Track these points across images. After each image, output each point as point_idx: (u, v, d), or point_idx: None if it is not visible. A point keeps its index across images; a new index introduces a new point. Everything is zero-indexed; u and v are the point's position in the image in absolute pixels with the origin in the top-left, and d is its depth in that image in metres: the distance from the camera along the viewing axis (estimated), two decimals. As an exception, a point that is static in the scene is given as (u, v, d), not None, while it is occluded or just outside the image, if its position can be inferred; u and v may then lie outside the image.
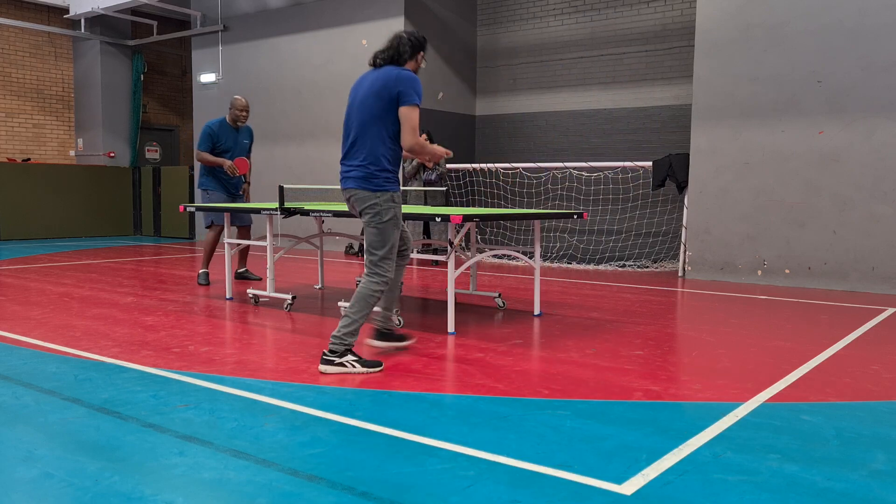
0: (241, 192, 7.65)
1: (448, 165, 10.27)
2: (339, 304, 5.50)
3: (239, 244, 6.53)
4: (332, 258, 10.41)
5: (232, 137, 7.35)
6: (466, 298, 6.56)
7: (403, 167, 9.36)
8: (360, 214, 3.98)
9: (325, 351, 3.92)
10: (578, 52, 10.93)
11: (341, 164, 4.03)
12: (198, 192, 13.45)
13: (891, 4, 7.06)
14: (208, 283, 7.30)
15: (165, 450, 2.75)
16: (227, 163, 7.22)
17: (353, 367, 3.88)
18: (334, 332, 3.92)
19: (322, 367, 3.89)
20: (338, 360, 3.88)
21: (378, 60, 4.02)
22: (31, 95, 14.21)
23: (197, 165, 13.50)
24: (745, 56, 7.83)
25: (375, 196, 3.92)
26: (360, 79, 4.08)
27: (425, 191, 7.89)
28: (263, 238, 6.14)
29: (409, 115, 3.85)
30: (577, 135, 11.02)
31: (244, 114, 7.34)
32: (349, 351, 3.91)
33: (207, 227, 7.46)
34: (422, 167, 9.19)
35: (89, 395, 3.45)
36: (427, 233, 9.73)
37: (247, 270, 7.83)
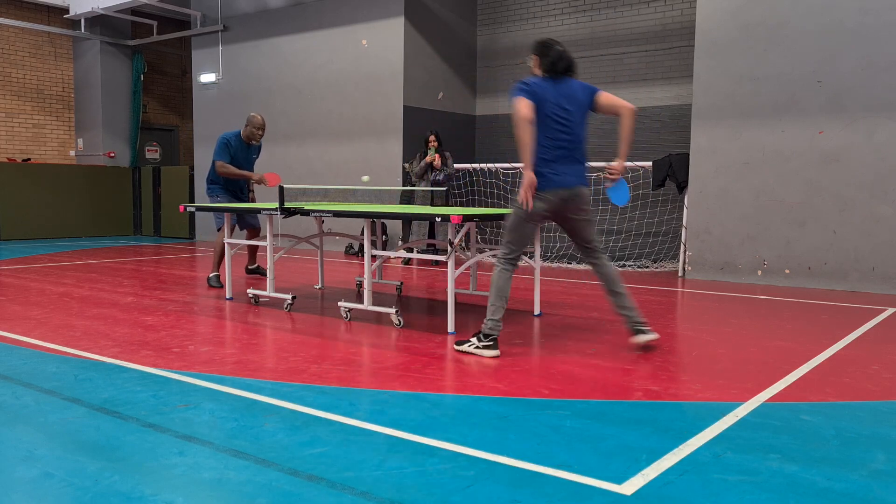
0: (248, 199, 7.70)
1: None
2: (339, 303, 5.50)
3: (237, 244, 6.55)
4: (332, 258, 10.41)
5: (243, 154, 7.37)
6: (466, 298, 6.56)
7: (412, 167, 9.36)
8: (578, 210, 4.33)
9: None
10: (578, 52, 10.93)
11: (564, 162, 4.21)
12: (198, 194, 13.45)
13: (891, 4, 7.06)
14: (222, 286, 7.26)
15: (165, 450, 2.75)
16: (255, 176, 7.25)
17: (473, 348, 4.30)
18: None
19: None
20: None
21: (561, 70, 4.27)
22: (31, 95, 14.21)
23: (197, 166, 13.52)
24: (745, 56, 7.83)
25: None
26: (555, 85, 4.21)
27: (432, 191, 7.90)
28: (263, 238, 6.14)
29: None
30: (577, 135, 11.01)
31: (260, 132, 7.32)
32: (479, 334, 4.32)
33: (219, 230, 7.49)
34: (430, 168, 9.19)
35: (89, 395, 3.45)
36: (432, 234, 9.73)
37: (258, 266, 7.95)
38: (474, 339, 4.32)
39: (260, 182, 7.24)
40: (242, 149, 7.35)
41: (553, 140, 4.16)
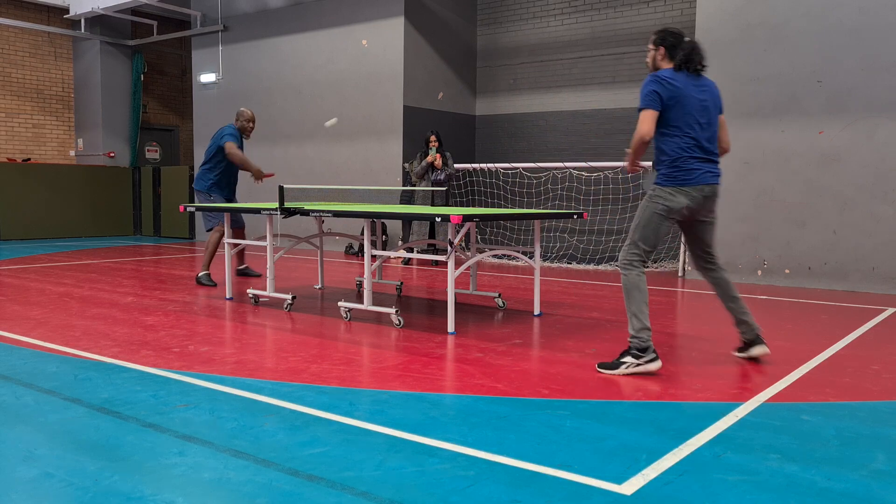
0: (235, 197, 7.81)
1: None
2: (339, 303, 5.50)
3: (237, 244, 6.57)
4: (332, 258, 10.41)
5: (241, 146, 7.57)
6: (466, 298, 6.56)
7: (412, 167, 9.36)
8: (710, 212, 4.11)
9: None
10: (578, 52, 10.93)
11: (706, 157, 3.99)
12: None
13: (891, 4, 7.06)
14: (214, 284, 7.32)
15: (165, 450, 2.75)
16: (255, 167, 7.34)
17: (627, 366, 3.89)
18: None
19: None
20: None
21: (697, 67, 4.02)
22: (31, 95, 14.21)
23: (197, 166, 13.50)
24: (746, 56, 7.82)
25: None
26: (691, 79, 3.96)
27: (432, 191, 7.91)
28: (263, 238, 6.14)
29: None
30: (577, 135, 11.02)
31: (251, 125, 7.52)
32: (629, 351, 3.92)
33: (209, 231, 7.56)
34: (431, 168, 9.19)
35: (89, 395, 3.45)
36: (433, 234, 9.73)
37: (247, 267, 8.01)
38: (629, 359, 3.87)
39: (259, 175, 7.34)
40: (241, 143, 7.53)
41: (695, 137, 3.93)
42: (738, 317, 4.23)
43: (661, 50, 4.05)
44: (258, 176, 7.34)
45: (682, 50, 3.99)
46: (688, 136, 3.92)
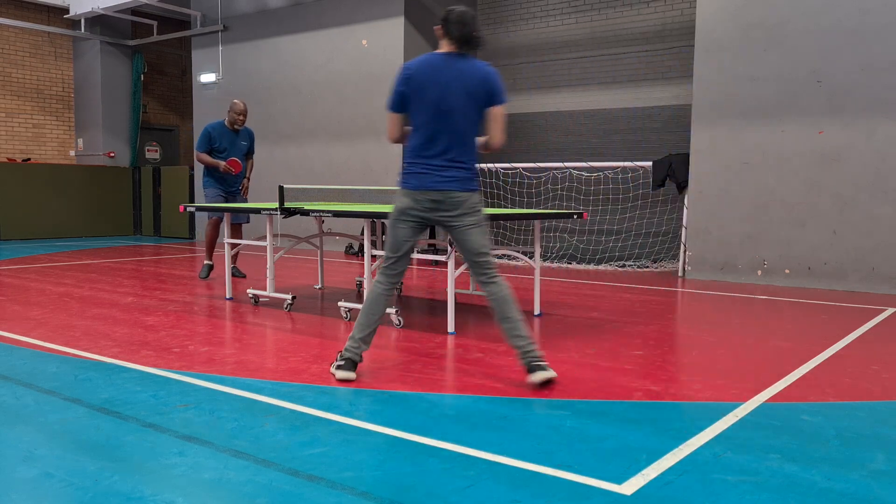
0: (239, 190, 7.89)
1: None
2: (339, 303, 5.50)
3: (238, 244, 6.61)
4: (332, 258, 10.41)
5: (229, 139, 7.67)
6: (466, 298, 6.56)
7: None
8: (454, 218, 3.68)
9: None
10: (578, 52, 10.93)
11: (432, 160, 3.63)
12: (198, 194, 13.45)
13: (891, 4, 7.06)
14: (207, 277, 7.72)
15: (165, 450, 2.75)
16: (221, 164, 7.55)
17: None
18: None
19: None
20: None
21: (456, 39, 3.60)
22: (31, 95, 14.21)
23: (197, 165, 13.52)
24: (745, 56, 7.83)
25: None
26: (437, 65, 3.57)
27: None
28: (263, 238, 6.14)
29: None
30: (577, 135, 11.02)
31: (241, 118, 7.64)
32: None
33: (210, 219, 7.95)
34: None
35: (89, 395, 3.45)
36: (433, 234, 9.73)
37: (234, 268, 8.00)
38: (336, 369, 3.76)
39: (226, 170, 7.56)
40: (229, 135, 7.66)
41: (430, 135, 3.62)
42: (510, 339, 3.66)
43: (439, 29, 3.64)
44: (224, 169, 7.55)
45: (448, 23, 3.58)
46: (423, 133, 3.62)
